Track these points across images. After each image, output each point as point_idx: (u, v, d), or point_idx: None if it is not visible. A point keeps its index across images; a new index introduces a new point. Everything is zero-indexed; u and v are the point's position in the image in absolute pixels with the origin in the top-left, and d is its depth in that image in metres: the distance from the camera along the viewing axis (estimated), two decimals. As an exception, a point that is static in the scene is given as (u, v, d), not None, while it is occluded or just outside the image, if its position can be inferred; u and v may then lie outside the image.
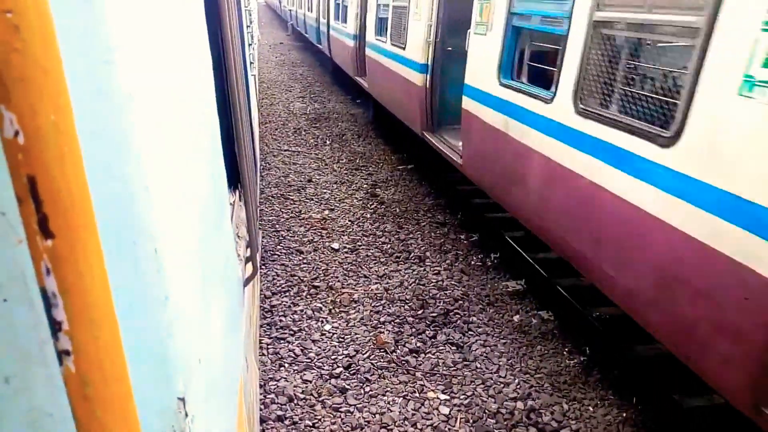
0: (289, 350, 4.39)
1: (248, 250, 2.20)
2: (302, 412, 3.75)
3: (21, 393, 0.66)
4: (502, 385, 4.06)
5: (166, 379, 0.80)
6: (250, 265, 2.21)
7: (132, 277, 0.74)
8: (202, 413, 0.93)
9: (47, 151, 0.49)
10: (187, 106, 1.17)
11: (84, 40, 0.65)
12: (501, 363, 4.30)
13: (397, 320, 4.82)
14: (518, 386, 4.06)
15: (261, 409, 3.72)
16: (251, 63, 5.87)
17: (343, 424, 3.67)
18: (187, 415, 0.84)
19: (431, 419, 3.73)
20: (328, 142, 10.36)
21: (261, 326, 4.63)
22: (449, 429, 3.66)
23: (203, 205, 1.25)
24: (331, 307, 5.02)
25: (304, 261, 5.85)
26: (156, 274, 0.77)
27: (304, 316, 4.86)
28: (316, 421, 3.68)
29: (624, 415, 3.83)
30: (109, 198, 0.69)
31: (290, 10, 28.45)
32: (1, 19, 0.46)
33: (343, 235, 6.46)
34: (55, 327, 0.53)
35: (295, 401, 3.85)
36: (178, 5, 1.19)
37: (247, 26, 5.60)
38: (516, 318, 4.92)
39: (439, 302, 5.11)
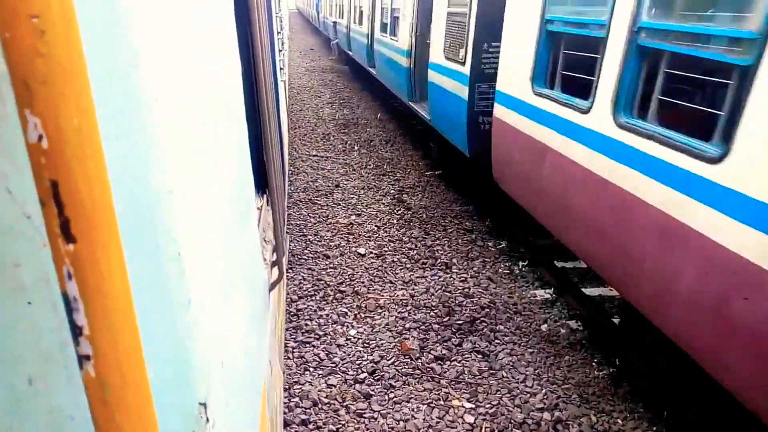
0: (314, 354, 4.40)
1: (275, 254, 2.21)
2: (326, 417, 3.75)
3: (43, 394, 0.66)
4: (528, 395, 4.00)
5: (187, 384, 0.80)
6: (276, 269, 2.21)
7: (155, 280, 0.74)
8: (223, 418, 0.93)
9: (70, 154, 0.49)
10: (214, 111, 1.18)
11: (109, 43, 0.65)
12: (528, 372, 4.24)
13: (423, 327, 4.79)
14: (545, 396, 3.99)
15: (285, 413, 3.73)
16: (281, 69, 5.93)
17: (367, 429, 3.65)
18: (208, 420, 0.84)
19: (456, 428, 3.69)
20: (356, 148, 10.40)
21: (287, 330, 4.65)
22: (474, 438, 3.62)
23: (228, 208, 1.26)
24: (356, 312, 5.01)
25: (331, 265, 5.86)
26: (179, 277, 0.77)
27: (330, 320, 4.87)
28: (340, 426, 3.67)
29: (654, 429, 3.73)
30: (133, 201, 0.69)
31: (335, 23, 20.14)
32: (27, 23, 0.46)
33: (370, 241, 6.46)
34: (76, 331, 0.53)
35: (320, 405, 3.85)
36: (206, 10, 1.20)
37: (278, 32, 5.66)
38: (544, 327, 4.84)
39: (466, 310, 5.06)
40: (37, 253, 0.62)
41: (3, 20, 0.46)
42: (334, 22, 20.01)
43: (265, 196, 2.47)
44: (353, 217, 7.15)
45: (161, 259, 0.75)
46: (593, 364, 4.37)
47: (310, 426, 3.67)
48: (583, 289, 5.00)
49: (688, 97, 3.69)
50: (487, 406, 3.89)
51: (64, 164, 0.49)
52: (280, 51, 5.99)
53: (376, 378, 4.15)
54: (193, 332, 0.80)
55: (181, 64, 0.89)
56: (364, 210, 7.38)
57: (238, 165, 1.48)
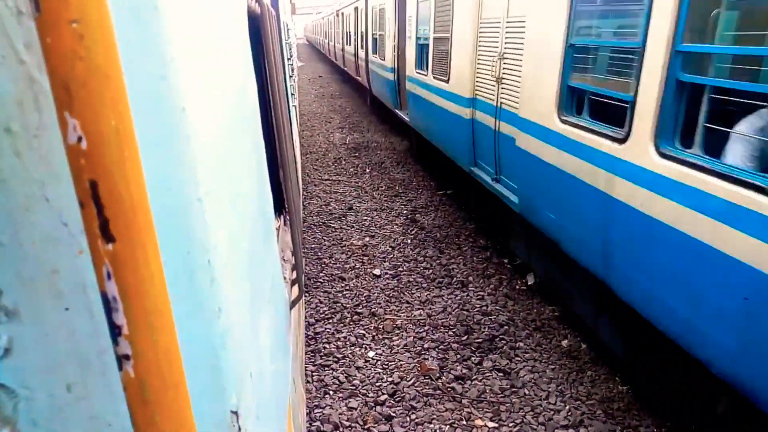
0: (334, 377, 4.37)
1: (294, 272, 2.22)
2: (348, 440, 3.70)
3: (82, 401, 0.66)
4: (552, 412, 3.93)
5: (219, 391, 0.80)
6: (295, 288, 2.22)
7: (186, 287, 0.74)
8: (253, 429, 0.93)
9: (108, 155, 0.50)
10: (236, 126, 1.20)
11: (143, 53, 0.67)
12: (550, 389, 4.17)
13: (442, 346, 4.74)
14: (569, 413, 3.92)
15: (307, 437, 3.69)
16: (292, 94, 6.02)
17: (390, 452, 3.60)
18: (240, 429, 0.83)
19: (480, 448, 3.63)
20: (367, 171, 10.45)
21: (306, 353, 4.63)
22: (499, 458, 3.55)
23: (252, 223, 1.27)
24: (374, 333, 4.98)
25: (347, 288, 5.85)
26: (209, 285, 0.78)
27: (348, 342, 4.84)
28: (362, 449, 3.63)
29: (684, 443, 3.64)
30: (164, 208, 0.70)
31: (373, 63, 14.26)
32: (67, 28, 0.48)
33: (384, 261, 6.45)
34: (115, 331, 0.54)
35: (341, 429, 3.81)
36: (226, 30, 1.23)
37: (288, 59, 5.76)
38: (564, 343, 4.78)
39: (484, 328, 5.01)
40: (74, 260, 0.63)
41: (44, 25, 0.47)
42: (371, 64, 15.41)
43: (282, 216, 2.49)
44: (367, 238, 7.15)
45: (193, 266, 0.75)
46: (616, 378, 4.30)
47: (332, 449, 3.63)
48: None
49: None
50: (511, 425, 3.83)
51: (103, 165, 0.50)
52: (290, 77, 6.09)
53: (396, 399, 4.10)
54: (225, 340, 0.80)
55: (206, 80, 0.91)
56: (378, 231, 7.38)
57: (258, 181, 1.49)
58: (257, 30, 2.07)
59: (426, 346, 4.75)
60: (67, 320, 0.64)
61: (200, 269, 0.76)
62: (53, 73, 0.49)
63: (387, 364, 4.52)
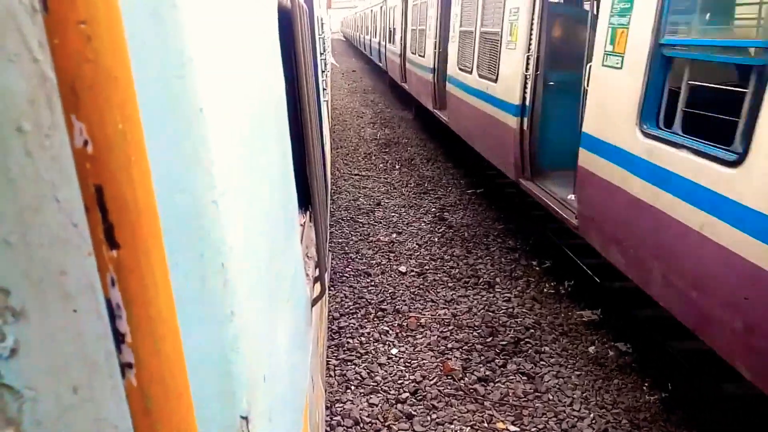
0: (356, 373, 4.37)
1: (317, 270, 2.21)
2: (367, 437, 3.70)
3: (88, 403, 0.66)
4: (576, 419, 3.86)
5: (229, 396, 0.79)
6: (318, 285, 2.21)
7: (198, 291, 0.73)
8: (265, 433, 0.92)
9: (114, 159, 0.49)
10: (258, 125, 1.19)
11: (159, 53, 0.66)
12: (575, 396, 4.09)
13: (465, 347, 4.70)
14: (593, 421, 3.84)
15: (327, 431, 3.70)
16: (324, 89, 6.02)
17: (409, 451, 3.59)
18: None
19: (500, 452, 3.58)
20: (397, 167, 10.42)
21: (328, 347, 4.64)
22: (519, 463, 3.51)
23: (272, 222, 1.26)
24: (397, 330, 4.97)
25: (372, 283, 5.85)
26: (222, 288, 0.76)
27: (371, 338, 4.84)
28: (381, 447, 3.62)
29: (712, 458, 3.54)
30: (177, 211, 0.69)
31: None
32: (75, 29, 0.46)
33: (411, 259, 6.42)
34: (118, 339, 0.53)
35: (361, 425, 3.81)
36: (252, 27, 1.21)
37: (321, 53, 5.75)
38: (591, 349, 4.69)
39: (510, 330, 4.95)
40: (83, 261, 0.62)
41: (52, 27, 0.46)
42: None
43: (308, 212, 2.48)
44: (394, 235, 7.13)
45: (205, 270, 0.74)
46: (644, 388, 4.19)
47: (352, 446, 3.63)
48: (631, 311, 4.82)
49: None
50: (533, 429, 3.77)
51: (108, 169, 0.49)
52: (323, 72, 6.09)
53: (418, 398, 4.08)
54: (236, 344, 0.79)
55: (226, 78, 0.90)
56: (405, 228, 7.35)
57: (281, 180, 1.48)
58: (288, 25, 2.06)
59: (449, 345, 4.72)
60: (74, 322, 0.63)
61: (213, 272, 0.75)
62: (61, 75, 0.48)
63: (410, 362, 4.50)
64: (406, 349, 4.69)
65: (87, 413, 0.66)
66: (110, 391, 0.67)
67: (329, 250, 5.85)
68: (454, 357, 4.56)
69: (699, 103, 3.39)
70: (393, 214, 7.89)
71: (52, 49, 0.47)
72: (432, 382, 4.25)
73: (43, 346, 0.62)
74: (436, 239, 6.97)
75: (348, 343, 4.77)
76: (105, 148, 0.49)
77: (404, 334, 4.90)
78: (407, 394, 4.11)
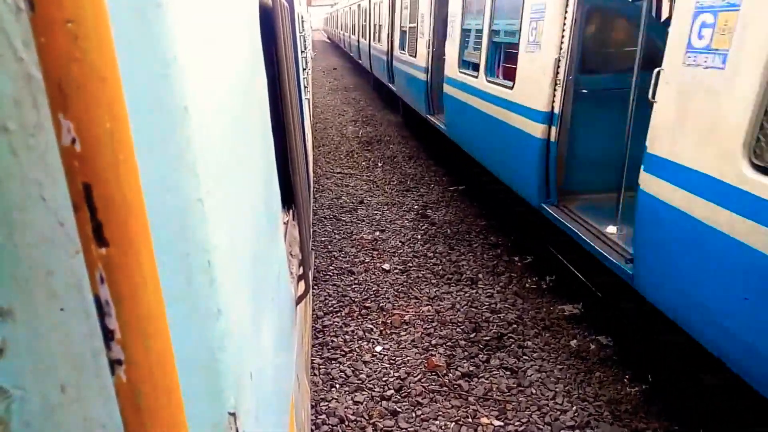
0: (341, 371, 4.38)
1: (301, 268, 2.21)
2: (353, 435, 3.71)
3: (76, 402, 0.66)
4: (558, 413, 3.91)
5: (217, 393, 0.79)
6: (302, 283, 2.21)
7: (185, 289, 0.74)
8: (252, 430, 0.92)
9: (102, 158, 0.49)
10: (242, 123, 1.19)
11: (144, 53, 0.66)
12: (557, 389, 4.14)
13: (449, 343, 4.73)
14: (576, 414, 3.89)
15: (312, 430, 3.70)
16: (305, 87, 6.00)
17: (394, 448, 3.60)
18: (237, 430, 0.83)
19: (485, 446, 3.62)
20: (379, 165, 10.43)
21: (313, 346, 4.64)
22: (504, 457, 3.54)
23: (256, 221, 1.26)
24: (382, 328, 4.98)
25: (356, 281, 5.85)
26: (209, 286, 0.77)
27: (356, 336, 4.85)
28: (366, 444, 3.63)
29: (691, 448, 3.61)
30: (163, 209, 0.69)
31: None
32: (62, 28, 0.47)
33: (394, 257, 6.44)
34: (107, 336, 0.53)
35: (346, 423, 3.81)
36: (235, 25, 1.21)
37: (302, 51, 5.74)
38: (573, 343, 4.75)
39: (493, 325, 4.99)
40: (69, 261, 0.62)
41: (38, 25, 0.46)
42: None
43: (291, 210, 2.48)
44: (377, 233, 7.14)
45: (191, 268, 0.75)
46: (625, 380, 4.26)
47: (337, 443, 3.64)
48: (612, 304, 4.89)
49: None
50: (516, 423, 3.81)
51: (97, 168, 0.50)
52: (304, 69, 6.07)
53: (402, 395, 4.10)
54: (223, 342, 0.80)
55: (210, 77, 0.90)
56: (388, 226, 7.37)
57: (264, 178, 1.48)
58: (270, 23, 2.06)
59: (433, 342, 4.75)
60: (61, 321, 0.63)
61: (199, 270, 0.75)
62: (47, 74, 0.48)
63: (394, 359, 4.52)
64: (391, 346, 4.70)
65: (75, 412, 0.66)
66: (98, 390, 0.67)
67: (312, 249, 5.84)
68: (438, 353, 4.58)
69: None
70: (376, 212, 7.90)
71: (39, 49, 0.47)
72: (416, 379, 4.27)
73: (30, 346, 0.62)
74: (419, 236, 7.00)
75: (332, 341, 4.77)
76: (93, 147, 0.49)
77: (388, 332, 4.92)
78: (392, 391, 4.12)
